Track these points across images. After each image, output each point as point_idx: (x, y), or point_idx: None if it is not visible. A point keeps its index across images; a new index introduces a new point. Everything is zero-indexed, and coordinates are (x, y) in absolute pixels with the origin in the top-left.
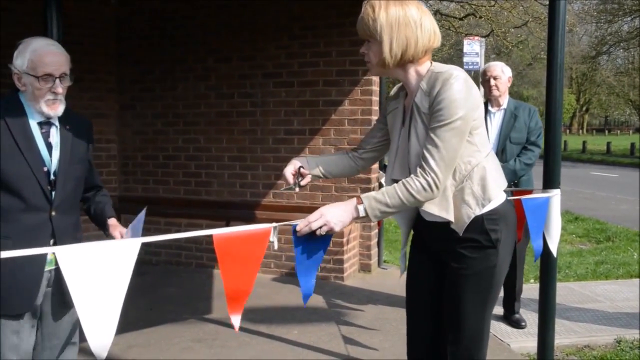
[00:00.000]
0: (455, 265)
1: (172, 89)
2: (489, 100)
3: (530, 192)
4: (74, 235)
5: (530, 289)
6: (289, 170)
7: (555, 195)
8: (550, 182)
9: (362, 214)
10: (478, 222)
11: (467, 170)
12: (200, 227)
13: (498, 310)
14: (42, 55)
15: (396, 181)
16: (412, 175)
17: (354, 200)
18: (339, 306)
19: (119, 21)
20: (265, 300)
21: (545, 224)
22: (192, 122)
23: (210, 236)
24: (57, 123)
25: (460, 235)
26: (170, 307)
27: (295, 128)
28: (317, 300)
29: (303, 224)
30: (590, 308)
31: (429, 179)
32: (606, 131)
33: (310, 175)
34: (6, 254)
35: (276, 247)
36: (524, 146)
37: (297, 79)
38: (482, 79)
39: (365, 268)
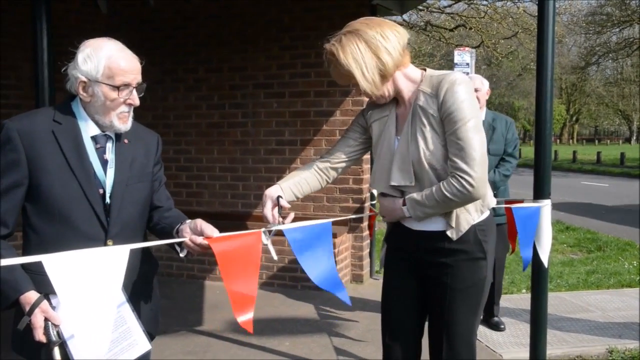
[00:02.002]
0: (448, 280)
1: (163, 100)
2: None
3: (520, 202)
4: (139, 272)
5: (521, 299)
6: (269, 209)
7: (545, 205)
8: (540, 192)
9: (407, 214)
10: (471, 233)
11: None
12: None
13: None
14: (120, 62)
15: (395, 188)
16: (448, 179)
17: (401, 200)
18: (330, 317)
19: (109, 31)
20: (257, 311)
21: (536, 234)
22: (183, 133)
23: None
24: (113, 136)
25: (454, 239)
26: (160, 319)
27: (286, 139)
28: (308, 311)
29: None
30: (582, 318)
31: (463, 181)
32: (596, 141)
33: (292, 213)
34: (4, 261)
35: (274, 255)
36: (502, 157)
37: (288, 89)
38: None
39: (357, 279)
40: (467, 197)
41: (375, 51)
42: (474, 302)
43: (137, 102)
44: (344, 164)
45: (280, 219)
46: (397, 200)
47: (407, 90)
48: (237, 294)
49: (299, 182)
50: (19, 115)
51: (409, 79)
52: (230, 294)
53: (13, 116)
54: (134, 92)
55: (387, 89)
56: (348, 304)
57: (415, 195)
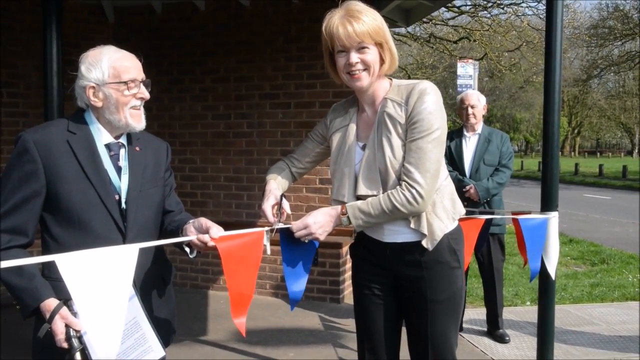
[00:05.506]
0: (428, 293)
1: (169, 109)
2: (465, 125)
3: (527, 214)
4: (156, 275)
5: (526, 312)
6: (270, 205)
7: (553, 217)
8: (548, 204)
9: (345, 223)
10: (445, 243)
11: (438, 184)
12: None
13: (482, 326)
14: (122, 61)
15: (362, 197)
16: (397, 188)
17: (339, 208)
18: (335, 328)
19: (117, 41)
20: (261, 322)
21: (544, 246)
22: (188, 142)
23: (207, 256)
24: (125, 144)
25: (430, 249)
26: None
27: (291, 149)
28: (313, 322)
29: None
30: (587, 331)
31: (414, 192)
32: (598, 153)
33: (286, 212)
34: (5, 263)
35: (269, 252)
36: (496, 168)
37: (294, 100)
38: (459, 106)
39: None
40: (414, 209)
41: (389, 38)
42: (455, 312)
43: (147, 95)
44: (302, 170)
45: (277, 219)
46: (333, 209)
47: (379, 96)
48: (237, 294)
49: (285, 178)
50: (34, 127)
51: (383, 86)
52: (230, 293)
53: (27, 128)
54: (142, 86)
55: (372, 83)
56: (290, 307)
57: (359, 203)
